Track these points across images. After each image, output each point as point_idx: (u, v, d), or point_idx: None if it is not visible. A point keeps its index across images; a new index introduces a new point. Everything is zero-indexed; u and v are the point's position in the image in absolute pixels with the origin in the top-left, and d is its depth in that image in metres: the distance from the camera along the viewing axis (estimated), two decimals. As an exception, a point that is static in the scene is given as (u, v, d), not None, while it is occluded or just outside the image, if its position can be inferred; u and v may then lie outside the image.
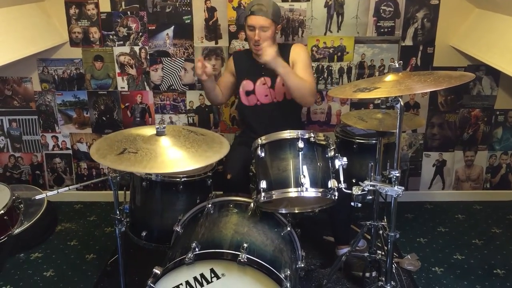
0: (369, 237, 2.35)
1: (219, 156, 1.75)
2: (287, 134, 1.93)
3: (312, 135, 1.92)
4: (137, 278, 2.39)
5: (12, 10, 2.58)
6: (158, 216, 2.25)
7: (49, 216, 2.91)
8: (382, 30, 2.98)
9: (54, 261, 2.65)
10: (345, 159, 1.92)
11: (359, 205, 1.83)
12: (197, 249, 1.66)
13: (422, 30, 2.98)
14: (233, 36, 2.99)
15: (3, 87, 3.14)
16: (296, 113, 2.74)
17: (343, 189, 1.89)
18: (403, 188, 1.74)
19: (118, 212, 1.86)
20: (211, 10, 2.95)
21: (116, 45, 3.04)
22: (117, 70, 3.09)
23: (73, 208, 3.26)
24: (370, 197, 1.84)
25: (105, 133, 3.17)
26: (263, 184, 1.88)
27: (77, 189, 3.24)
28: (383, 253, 2.15)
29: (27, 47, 2.65)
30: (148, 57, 3.06)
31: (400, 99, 1.68)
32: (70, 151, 3.29)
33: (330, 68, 3.05)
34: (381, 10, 2.95)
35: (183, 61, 3.05)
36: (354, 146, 2.56)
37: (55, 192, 1.83)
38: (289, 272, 1.71)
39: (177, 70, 3.08)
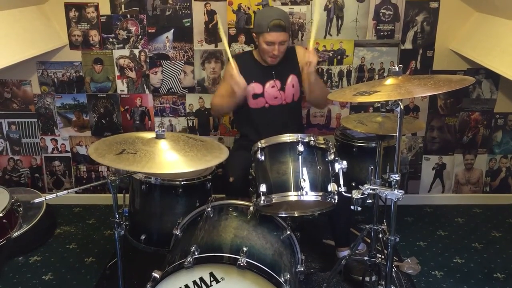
0: (369, 240, 2.34)
1: (218, 161, 1.76)
2: (287, 137, 1.93)
3: (312, 139, 1.92)
4: (136, 281, 2.39)
5: (12, 13, 2.57)
6: (157, 220, 2.25)
7: (48, 219, 2.91)
8: (381, 33, 2.98)
9: (53, 265, 2.64)
10: (345, 162, 1.93)
11: (359, 208, 1.82)
12: (196, 253, 1.65)
13: (422, 34, 2.98)
14: (232, 39, 2.99)
15: (2, 90, 3.13)
16: (300, 114, 2.82)
17: (343, 192, 1.89)
18: (403, 191, 1.73)
19: (117, 215, 1.85)
20: (211, 13, 2.95)
21: (116, 48, 3.04)
22: (117, 73, 3.09)
23: (72, 211, 3.25)
24: (370, 201, 1.84)
25: (105, 136, 3.17)
26: (263, 188, 1.88)
27: (76, 192, 3.23)
28: (383, 256, 2.15)
29: (27, 50, 2.65)
30: (148, 60, 3.05)
31: (400, 103, 1.68)
32: (69, 154, 3.28)
33: (330, 71, 3.05)
34: (381, 14, 2.95)
35: (182, 64, 3.05)
36: (354, 150, 2.56)
37: (54, 195, 1.82)
38: (288, 276, 1.71)
39: (176, 73, 3.07)
